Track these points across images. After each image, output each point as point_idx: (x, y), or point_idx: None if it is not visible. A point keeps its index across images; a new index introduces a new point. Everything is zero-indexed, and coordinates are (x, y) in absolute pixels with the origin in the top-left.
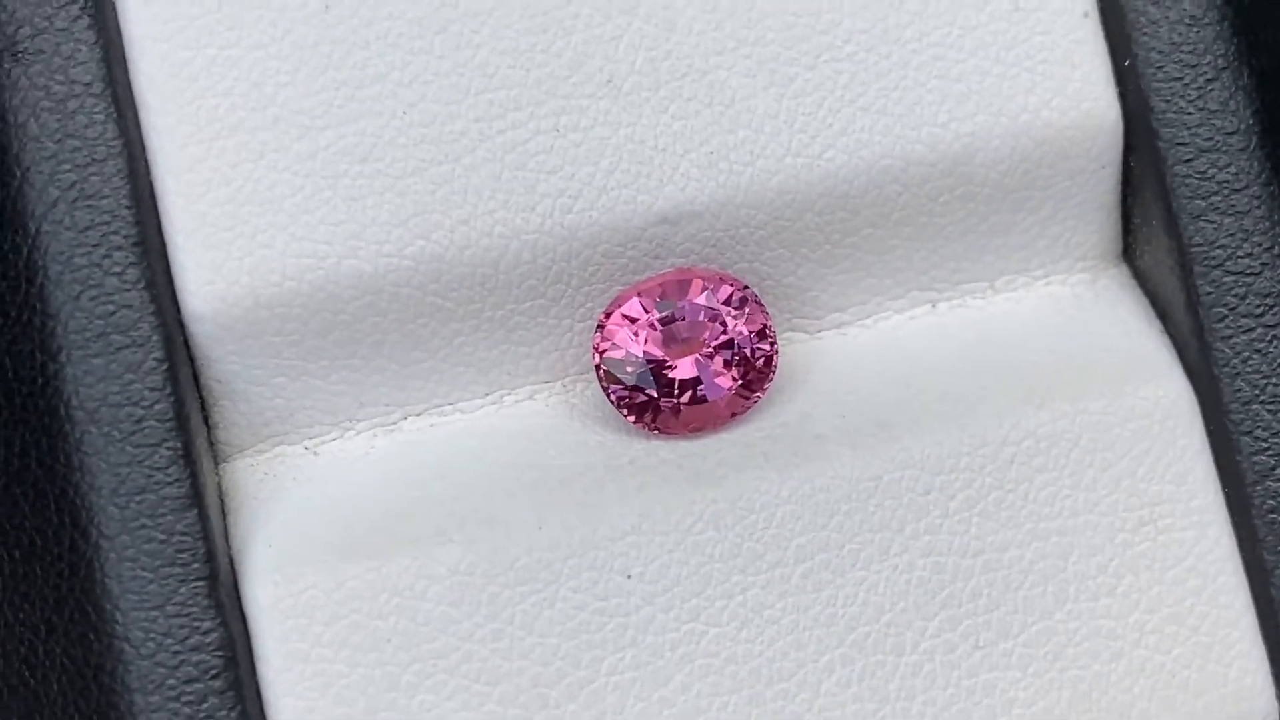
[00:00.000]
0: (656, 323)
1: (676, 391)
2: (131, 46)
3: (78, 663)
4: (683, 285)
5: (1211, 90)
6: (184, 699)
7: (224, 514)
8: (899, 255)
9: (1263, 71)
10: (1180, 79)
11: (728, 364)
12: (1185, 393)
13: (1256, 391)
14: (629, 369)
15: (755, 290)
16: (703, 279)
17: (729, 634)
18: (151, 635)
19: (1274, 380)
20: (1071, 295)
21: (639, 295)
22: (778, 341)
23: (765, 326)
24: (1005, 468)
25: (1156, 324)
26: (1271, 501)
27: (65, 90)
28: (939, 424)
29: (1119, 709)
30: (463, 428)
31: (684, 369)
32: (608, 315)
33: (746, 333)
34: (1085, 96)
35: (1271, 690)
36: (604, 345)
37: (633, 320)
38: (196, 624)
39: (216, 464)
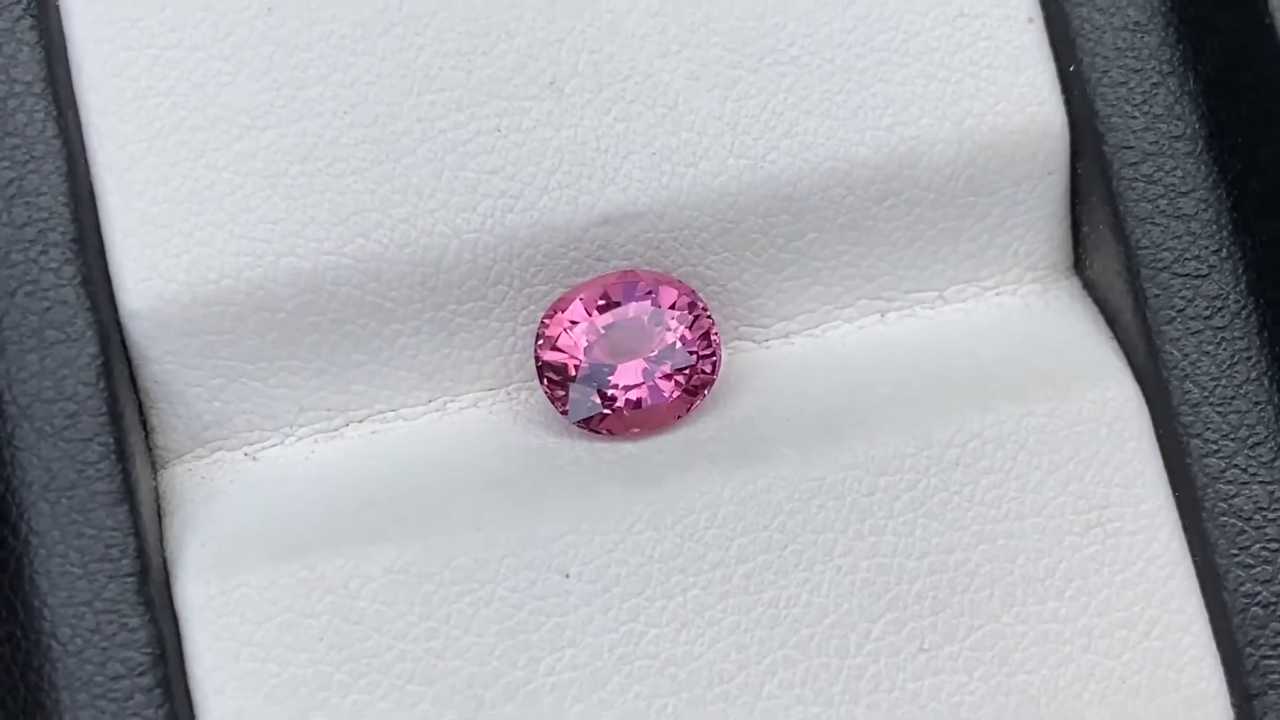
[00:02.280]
0: (599, 326)
1: (619, 396)
2: (74, 47)
3: (5, 660)
4: (626, 288)
5: (1157, 95)
6: (111, 697)
7: (160, 518)
8: (846, 261)
9: (1208, 76)
10: (1125, 84)
11: (671, 369)
12: (1134, 396)
13: (1206, 394)
14: (572, 373)
15: (700, 295)
16: (646, 282)
17: (669, 635)
18: (80, 632)
19: (1223, 383)
20: (1021, 305)
21: (581, 298)
22: (722, 347)
23: (709, 331)
24: (950, 469)
25: (1106, 331)
26: (1223, 504)
27: (6, 89)
28: (884, 425)
29: (1068, 714)
30: (405, 434)
31: (627, 374)
32: (550, 318)
33: (690, 337)
34: (1030, 101)
35: (1226, 697)
36: (546, 348)
37: (575, 324)
38: (125, 621)
39: (155, 470)
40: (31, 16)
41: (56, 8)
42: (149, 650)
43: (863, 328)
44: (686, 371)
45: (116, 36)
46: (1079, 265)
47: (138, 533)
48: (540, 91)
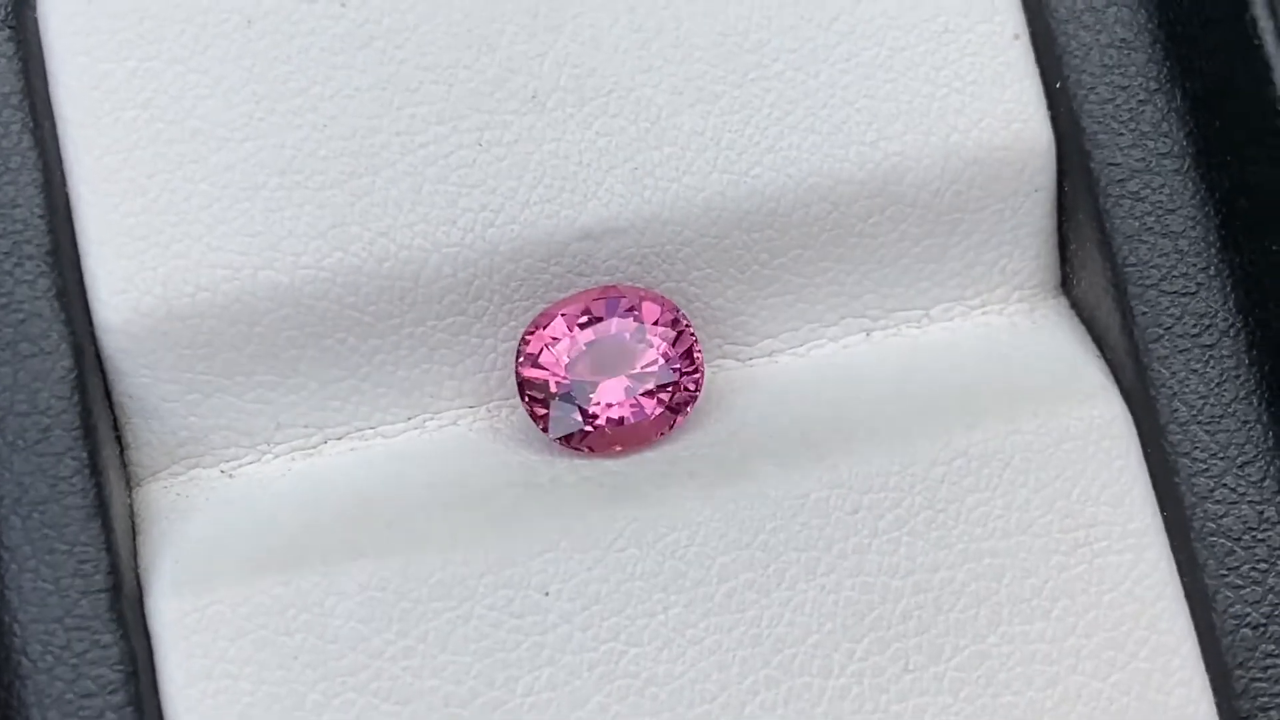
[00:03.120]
0: (581, 343)
1: (601, 414)
2: (51, 58)
3: None
4: (608, 304)
5: (1144, 111)
6: (82, 714)
7: (134, 534)
8: (830, 279)
9: (1196, 94)
10: (1112, 100)
11: (654, 386)
12: (1121, 414)
13: (1194, 412)
14: (553, 390)
15: (684, 312)
16: (629, 298)
17: (650, 654)
18: (50, 648)
19: (1211, 401)
20: (1008, 324)
21: (563, 314)
22: (705, 364)
23: (692, 348)
24: (935, 487)
25: (1094, 350)
26: (1211, 524)
27: None
28: (868, 442)
29: None
30: (384, 452)
31: (609, 391)
32: (531, 334)
33: (673, 354)
34: (1016, 117)
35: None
36: (527, 366)
37: (557, 340)
38: (97, 638)
39: (130, 487)
40: (9, 27)
41: (34, 18)
42: (121, 668)
43: (847, 346)
44: (669, 389)
45: (95, 48)
46: (1066, 284)
47: (110, 548)
48: (522, 105)
